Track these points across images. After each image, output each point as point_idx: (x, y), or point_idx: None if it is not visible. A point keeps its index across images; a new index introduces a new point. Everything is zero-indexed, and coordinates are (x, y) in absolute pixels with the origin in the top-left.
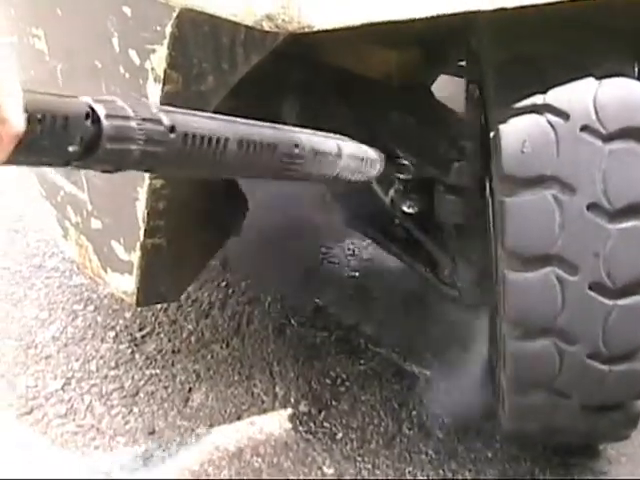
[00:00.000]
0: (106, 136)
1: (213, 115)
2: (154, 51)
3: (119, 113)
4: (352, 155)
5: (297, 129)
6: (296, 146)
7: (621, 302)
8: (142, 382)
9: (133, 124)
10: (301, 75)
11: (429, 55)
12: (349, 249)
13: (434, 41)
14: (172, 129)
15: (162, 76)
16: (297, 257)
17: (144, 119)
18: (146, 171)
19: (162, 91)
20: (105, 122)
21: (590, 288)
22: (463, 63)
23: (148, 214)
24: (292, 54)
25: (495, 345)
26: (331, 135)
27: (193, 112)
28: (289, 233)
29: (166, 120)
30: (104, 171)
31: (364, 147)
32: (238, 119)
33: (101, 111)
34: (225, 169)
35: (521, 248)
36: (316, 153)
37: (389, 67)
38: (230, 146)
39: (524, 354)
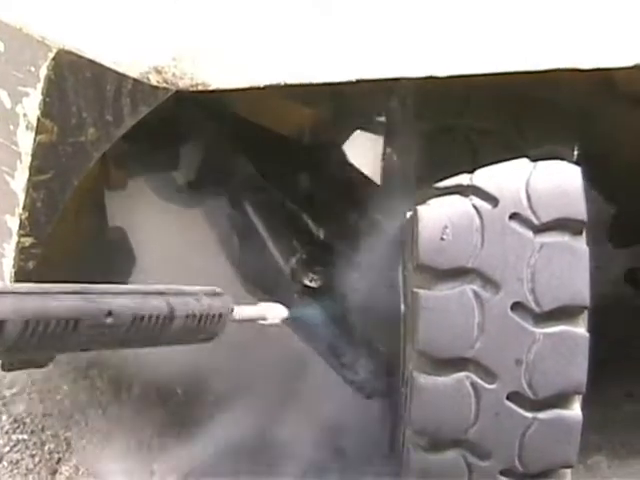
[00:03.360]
0: None
1: None
2: (27, 95)
3: None
4: (192, 314)
5: (115, 288)
6: (109, 315)
7: (541, 415)
8: (7, 448)
9: None
10: (204, 122)
11: (344, 111)
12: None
13: (351, 97)
14: None
15: (35, 124)
16: None
17: None
18: None
19: (34, 141)
20: None
21: (508, 398)
22: (382, 119)
23: (15, 274)
24: (194, 99)
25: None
26: (165, 289)
27: None
28: None
29: None
30: None
31: (208, 301)
32: (25, 287)
33: None
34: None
35: (433, 348)
36: (141, 318)
37: (301, 123)
38: (9, 327)
39: (429, 467)
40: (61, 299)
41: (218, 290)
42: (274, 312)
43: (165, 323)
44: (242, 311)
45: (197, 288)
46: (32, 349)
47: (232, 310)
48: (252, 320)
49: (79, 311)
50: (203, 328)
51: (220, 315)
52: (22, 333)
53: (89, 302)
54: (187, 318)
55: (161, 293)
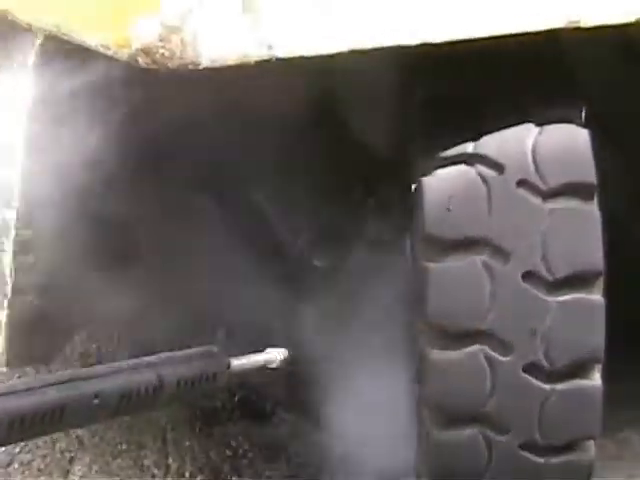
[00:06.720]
0: None
1: None
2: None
3: None
4: (182, 380)
5: (102, 369)
6: (96, 397)
7: (560, 386)
8: (17, 449)
9: None
10: None
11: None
12: None
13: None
14: None
15: None
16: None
17: None
18: None
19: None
20: None
21: (525, 370)
22: None
23: (15, 268)
24: None
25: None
26: (154, 359)
27: None
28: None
29: None
30: None
31: (200, 363)
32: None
33: None
34: None
35: (445, 322)
36: (129, 393)
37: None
38: None
39: (447, 444)
40: (45, 392)
41: (214, 349)
42: (274, 356)
43: (155, 393)
44: (241, 363)
45: (189, 351)
46: (21, 440)
47: (228, 367)
48: (253, 369)
49: (65, 400)
50: (197, 390)
51: (214, 375)
52: (9, 430)
53: (74, 390)
54: (178, 385)
55: (150, 365)
